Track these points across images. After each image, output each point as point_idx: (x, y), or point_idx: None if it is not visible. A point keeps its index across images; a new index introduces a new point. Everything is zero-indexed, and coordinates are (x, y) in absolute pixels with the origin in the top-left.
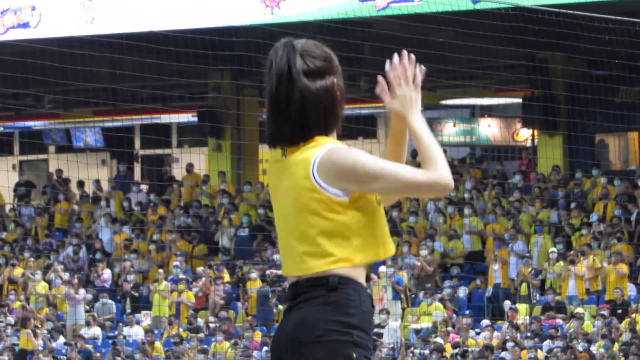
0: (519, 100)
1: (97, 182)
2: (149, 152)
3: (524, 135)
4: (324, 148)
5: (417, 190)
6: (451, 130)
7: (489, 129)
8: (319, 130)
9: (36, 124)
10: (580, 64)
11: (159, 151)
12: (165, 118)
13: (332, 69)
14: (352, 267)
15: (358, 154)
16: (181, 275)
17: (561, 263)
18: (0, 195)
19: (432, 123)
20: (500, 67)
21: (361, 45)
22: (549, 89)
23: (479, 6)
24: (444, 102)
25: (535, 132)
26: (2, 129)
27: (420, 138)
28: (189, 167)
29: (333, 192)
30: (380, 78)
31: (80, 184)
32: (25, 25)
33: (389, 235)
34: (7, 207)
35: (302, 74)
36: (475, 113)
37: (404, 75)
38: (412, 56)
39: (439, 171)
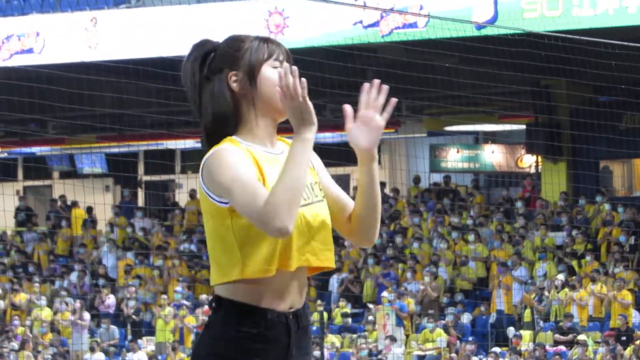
0: (523, 127)
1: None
2: (153, 178)
3: (528, 161)
4: (212, 151)
5: (252, 221)
6: (455, 156)
7: (493, 156)
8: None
9: (40, 150)
10: (585, 90)
11: (163, 177)
12: (170, 144)
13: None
14: (234, 283)
15: (223, 160)
16: (183, 301)
17: (566, 290)
18: None
19: (436, 149)
20: (505, 93)
21: (366, 71)
22: (553, 114)
23: (484, 32)
24: (448, 128)
25: (539, 159)
26: (6, 154)
27: (292, 157)
28: (193, 193)
29: (216, 198)
30: (346, 107)
31: (89, 210)
32: (29, 50)
33: (276, 255)
34: (9, 233)
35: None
36: (479, 139)
37: (370, 103)
38: (385, 87)
39: (276, 209)
